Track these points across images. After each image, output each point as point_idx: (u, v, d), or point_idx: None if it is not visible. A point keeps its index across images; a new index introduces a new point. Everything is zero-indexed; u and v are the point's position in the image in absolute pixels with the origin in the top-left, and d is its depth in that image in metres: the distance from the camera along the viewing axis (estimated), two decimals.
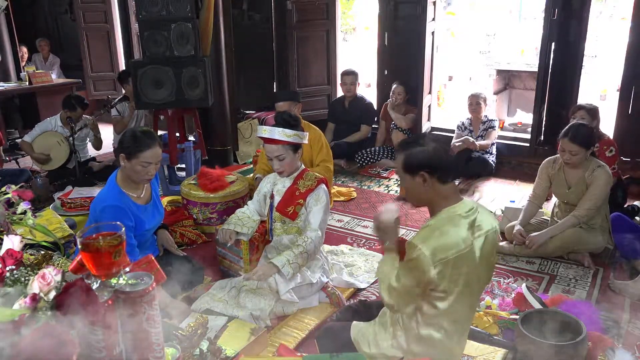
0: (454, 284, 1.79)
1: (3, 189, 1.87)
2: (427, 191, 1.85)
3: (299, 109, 3.95)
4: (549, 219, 3.57)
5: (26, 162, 5.48)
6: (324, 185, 2.83)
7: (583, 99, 4.83)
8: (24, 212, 1.82)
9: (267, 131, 2.71)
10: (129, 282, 1.28)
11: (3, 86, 6.27)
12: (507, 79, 7.93)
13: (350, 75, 5.51)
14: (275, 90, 6.41)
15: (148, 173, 2.56)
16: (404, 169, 1.86)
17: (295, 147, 2.75)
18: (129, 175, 2.59)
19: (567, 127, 3.27)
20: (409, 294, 1.84)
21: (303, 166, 2.90)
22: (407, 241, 1.85)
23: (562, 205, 3.46)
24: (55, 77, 6.87)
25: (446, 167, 1.84)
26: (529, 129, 5.36)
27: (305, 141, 2.81)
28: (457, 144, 4.91)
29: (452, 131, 5.25)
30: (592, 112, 3.82)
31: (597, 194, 3.21)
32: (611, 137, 4.45)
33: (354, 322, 2.17)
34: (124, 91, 5.51)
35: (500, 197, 4.56)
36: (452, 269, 1.76)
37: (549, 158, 3.50)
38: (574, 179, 3.31)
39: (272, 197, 2.92)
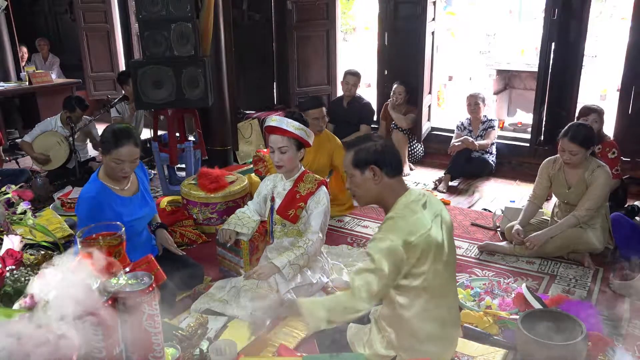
0: (423, 267, 1.85)
1: (3, 189, 1.87)
2: (377, 186, 1.93)
3: (324, 113, 4.05)
4: (549, 219, 3.57)
5: (26, 162, 5.48)
6: (324, 188, 2.83)
7: (583, 99, 4.84)
8: (24, 212, 1.83)
9: (275, 120, 2.74)
10: (129, 282, 1.28)
11: (3, 86, 6.27)
12: (507, 79, 7.93)
13: (354, 76, 5.50)
14: (275, 91, 6.42)
15: (122, 170, 2.58)
16: (353, 165, 1.94)
17: (299, 144, 2.75)
18: (107, 170, 2.64)
19: (566, 126, 3.27)
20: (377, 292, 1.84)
21: (303, 168, 2.90)
22: (372, 237, 1.92)
23: (562, 205, 3.46)
24: (55, 77, 6.87)
25: (394, 162, 1.94)
26: (529, 129, 5.36)
27: (311, 141, 2.81)
28: (456, 144, 4.92)
29: (452, 131, 5.25)
30: (602, 115, 3.84)
31: (597, 194, 3.21)
32: (611, 136, 4.45)
33: (351, 323, 2.18)
34: (123, 91, 5.51)
35: (500, 197, 4.56)
36: (421, 252, 1.83)
37: (549, 158, 3.49)
38: (574, 179, 3.31)
39: (272, 199, 2.91)
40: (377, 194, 1.96)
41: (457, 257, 2.38)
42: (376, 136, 2.00)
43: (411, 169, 5.36)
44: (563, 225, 3.28)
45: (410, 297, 1.91)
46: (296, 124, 2.72)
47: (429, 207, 1.92)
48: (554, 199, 3.67)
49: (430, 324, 1.93)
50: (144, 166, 2.94)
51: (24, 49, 7.45)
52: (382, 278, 1.80)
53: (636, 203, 3.79)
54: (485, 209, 4.27)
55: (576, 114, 4.25)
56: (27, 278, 1.48)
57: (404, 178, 2.00)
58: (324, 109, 4.00)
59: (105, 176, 2.66)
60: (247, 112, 6.11)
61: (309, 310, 1.85)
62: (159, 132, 4.75)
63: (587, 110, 3.89)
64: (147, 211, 2.84)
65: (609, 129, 4.67)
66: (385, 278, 1.81)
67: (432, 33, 5.51)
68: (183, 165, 4.77)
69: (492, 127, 4.98)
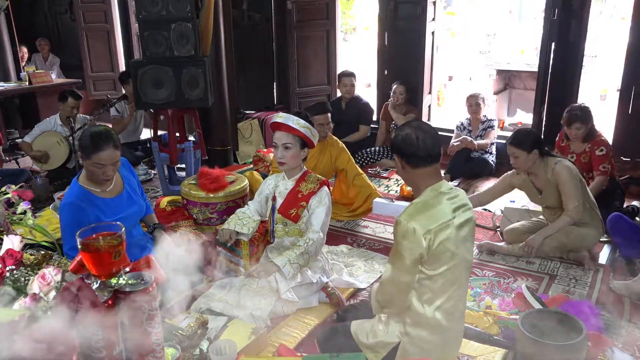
0: (441, 256, 1.88)
1: (3, 189, 1.87)
2: (406, 173, 1.99)
3: (329, 119, 4.06)
4: (545, 220, 3.57)
5: (26, 162, 5.48)
6: (326, 188, 2.83)
7: (583, 99, 4.83)
8: (24, 212, 1.83)
9: (282, 117, 2.75)
10: (129, 282, 1.28)
11: (3, 86, 6.27)
12: (507, 79, 7.93)
13: (350, 77, 5.49)
14: (275, 91, 6.42)
15: (105, 174, 2.55)
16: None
17: (303, 143, 2.76)
18: (89, 174, 2.62)
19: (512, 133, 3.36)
20: (402, 282, 1.94)
21: (305, 168, 2.90)
22: (395, 221, 1.95)
23: (546, 210, 3.48)
24: (55, 77, 6.87)
25: (413, 154, 1.93)
26: None
27: (315, 141, 2.81)
28: (455, 144, 4.92)
29: (452, 131, 5.25)
30: (585, 116, 3.77)
31: (569, 188, 3.20)
32: (611, 136, 4.45)
33: (354, 320, 2.19)
34: (123, 91, 5.51)
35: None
36: (437, 240, 1.85)
37: (512, 170, 3.49)
38: (540, 183, 3.35)
39: (274, 199, 2.91)
40: (407, 180, 2.04)
41: None
42: (409, 125, 1.99)
43: None
44: (557, 225, 3.29)
45: (423, 286, 1.92)
46: (302, 122, 2.73)
47: (456, 201, 1.95)
48: None
49: (439, 314, 1.94)
50: (129, 164, 2.93)
51: (24, 49, 7.45)
52: (403, 266, 1.89)
53: (635, 203, 3.79)
54: (485, 209, 4.26)
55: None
56: (27, 278, 1.48)
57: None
58: (329, 115, 4.00)
59: (85, 180, 2.63)
60: (247, 112, 6.11)
61: (374, 309, 2.10)
62: (159, 132, 4.75)
63: (570, 121, 3.79)
64: (136, 210, 2.81)
65: (609, 129, 4.67)
66: (406, 266, 1.89)
67: (432, 33, 5.52)
68: (183, 165, 4.77)
69: (492, 127, 4.98)
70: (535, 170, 3.33)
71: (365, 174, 4.18)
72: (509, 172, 3.55)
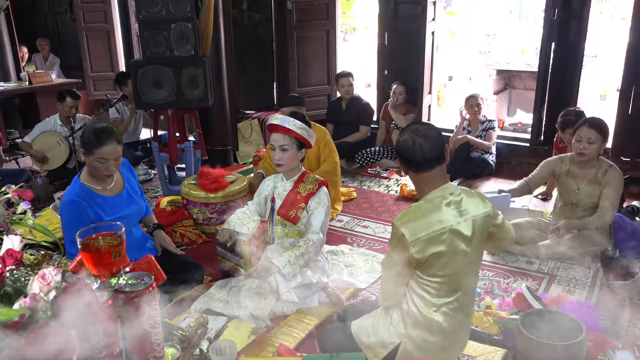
0: (435, 263, 1.86)
1: (3, 189, 1.87)
2: (410, 176, 1.97)
3: (304, 112, 4.04)
4: (547, 220, 3.56)
5: (26, 162, 5.48)
6: (325, 188, 2.83)
7: (583, 99, 4.83)
8: (24, 212, 1.82)
9: (278, 119, 2.75)
10: (129, 282, 1.28)
11: (3, 86, 6.26)
12: (507, 79, 7.94)
13: (347, 77, 5.49)
14: (275, 91, 6.42)
15: (107, 169, 2.58)
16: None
17: (301, 144, 2.76)
18: (91, 170, 2.63)
19: (582, 118, 3.26)
20: (394, 281, 1.97)
21: (303, 169, 2.90)
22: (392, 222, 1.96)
23: (565, 207, 3.40)
24: (55, 77, 6.87)
25: (411, 160, 1.90)
26: (529, 129, 5.37)
27: (312, 142, 2.81)
28: (459, 137, 4.92)
29: (452, 131, 5.25)
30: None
31: (616, 195, 3.19)
32: (611, 136, 4.43)
33: (353, 320, 2.19)
34: (122, 92, 5.50)
35: None
36: (427, 248, 1.83)
37: (557, 156, 3.46)
38: (584, 179, 3.26)
39: (272, 200, 2.91)
40: (413, 183, 1.99)
41: None
42: (407, 129, 1.94)
43: None
44: (588, 222, 3.23)
45: (423, 289, 1.92)
46: (298, 123, 2.73)
47: (457, 208, 1.89)
48: (553, 200, 3.65)
49: (439, 317, 1.93)
50: (130, 164, 2.94)
51: (24, 49, 7.45)
52: (394, 266, 1.91)
53: (635, 203, 3.79)
54: None
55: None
56: (27, 278, 1.48)
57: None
58: (295, 108, 4.02)
59: (87, 177, 2.65)
60: (247, 112, 6.11)
61: (379, 301, 2.13)
62: (159, 132, 4.75)
63: (563, 126, 3.83)
64: (136, 209, 2.82)
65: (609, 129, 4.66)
66: (397, 267, 1.90)
67: (432, 33, 5.52)
68: (183, 165, 4.77)
69: (493, 128, 4.98)
70: (591, 163, 3.24)
71: (339, 174, 4.20)
72: (551, 158, 3.46)
